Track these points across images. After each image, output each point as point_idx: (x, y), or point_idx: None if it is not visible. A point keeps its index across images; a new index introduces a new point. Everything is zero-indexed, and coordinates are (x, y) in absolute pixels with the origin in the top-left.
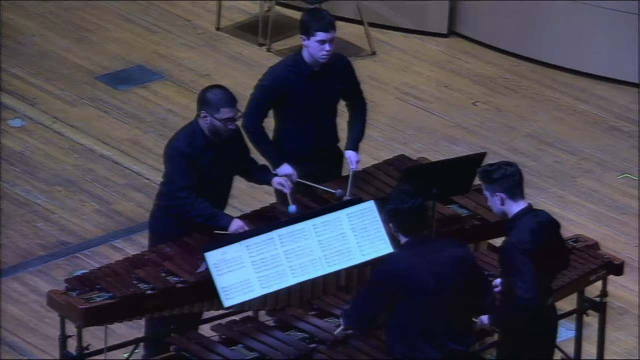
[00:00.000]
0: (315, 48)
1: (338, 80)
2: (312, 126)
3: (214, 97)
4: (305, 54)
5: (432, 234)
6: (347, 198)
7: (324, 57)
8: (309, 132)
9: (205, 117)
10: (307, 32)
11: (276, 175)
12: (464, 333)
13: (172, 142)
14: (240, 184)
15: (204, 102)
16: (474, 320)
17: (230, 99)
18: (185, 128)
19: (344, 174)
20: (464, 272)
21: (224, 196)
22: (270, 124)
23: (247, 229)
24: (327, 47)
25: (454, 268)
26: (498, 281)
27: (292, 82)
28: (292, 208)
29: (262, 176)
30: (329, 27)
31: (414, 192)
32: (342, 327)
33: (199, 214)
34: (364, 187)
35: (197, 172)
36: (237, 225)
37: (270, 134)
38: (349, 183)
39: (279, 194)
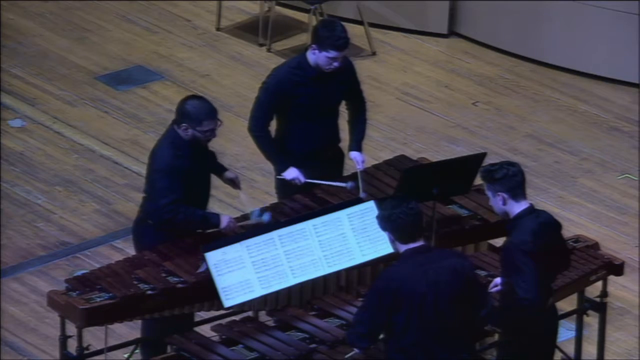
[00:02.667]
0: (324, 61)
1: (341, 81)
2: (315, 127)
3: (195, 110)
4: (310, 57)
5: (431, 241)
6: (363, 195)
7: (329, 70)
8: (311, 133)
9: (186, 129)
10: (320, 45)
11: (225, 167)
12: (459, 344)
13: (158, 158)
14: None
15: (184, 114)
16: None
17: (211, 111)
18: (164, 140)
19: (345, 173)
20: (461, 283)
21: (207, 197)
22: (272, 124)
23: (234, 221)
24: (335, 63)
25: (451, 279)
26: (498, 280)
27: (296, 84)
28: (265, 215)
29: (217, 166)
30: (344, 47)
31: (404, 198)
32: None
33: (191, 219)
34: (364, 187)
35: (187, 180)
36: (226, 220)
37: (272, 134)
38: (360, 182)
39: (280, 193)
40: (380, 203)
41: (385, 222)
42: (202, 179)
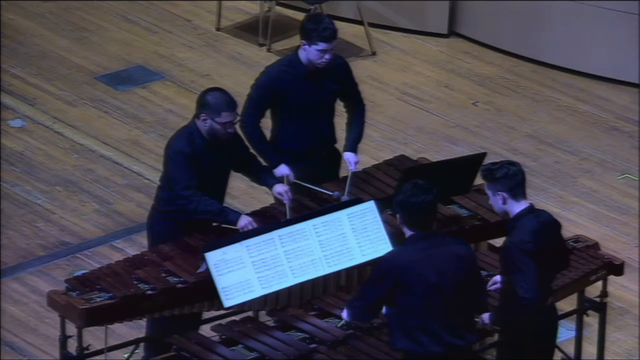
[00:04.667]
0: (315, 55)
1: (334, 80)
2: (309, 126)
3: (215, 101)
4: (302, 55)
5: (437, 230)
6: (345, 198)
7: (322, 64)
8: (305, 132)
9: (205, 119)
10: (308, 39)
11: (276, 178)
12: (465, 328)
13: (171, 144)
14: (240, 184)
15: (204, 104)
16: (475, 319)
17: (231, 103)
18: (182, 130)
19: (342, 174)
20: (464, 269)
21: (222, 194)
22: (267, 123)
23: (255, 224)
24: (326, 56)
25: (455, 264)
26: (497, 278)
27: (287, 82)
28: None
29: (263, 178)
30: (331, 37)
31: (427, 188)
32: (344, 320)
33: (205, 209)
34: (364, 187)
35: (197, 173)
36: (245, 220)
37: (267, 134)
38: (347, 184)
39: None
40: (390, 194)
41: (399, 206)
42: (216, 175)
